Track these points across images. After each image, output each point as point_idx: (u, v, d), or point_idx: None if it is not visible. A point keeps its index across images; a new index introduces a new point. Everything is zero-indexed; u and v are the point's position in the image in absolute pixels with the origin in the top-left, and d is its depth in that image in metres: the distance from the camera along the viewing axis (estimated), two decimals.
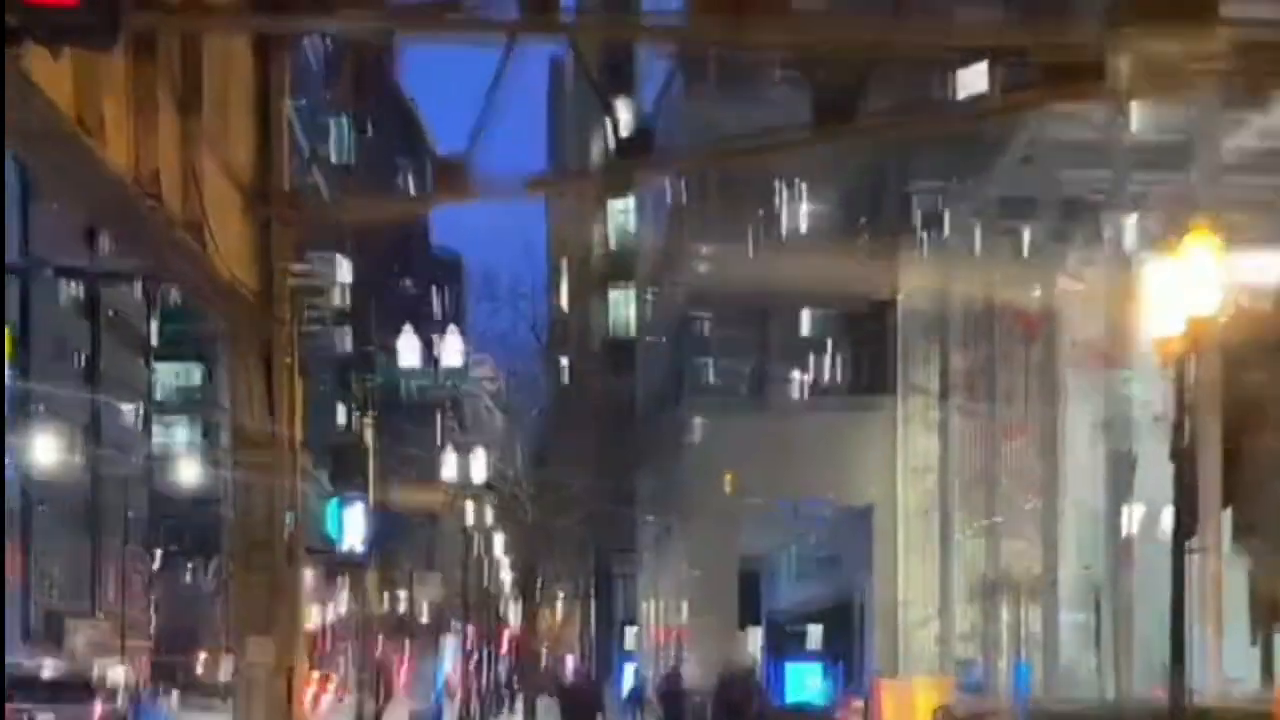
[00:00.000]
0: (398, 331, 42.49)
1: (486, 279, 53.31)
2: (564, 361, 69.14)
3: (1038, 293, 37.70)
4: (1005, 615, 40.81)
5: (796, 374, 56.85)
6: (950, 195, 46.81)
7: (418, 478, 49.82)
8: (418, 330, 42.82)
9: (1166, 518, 29.47)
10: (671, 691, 45.87)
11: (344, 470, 55.12)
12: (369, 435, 39.24)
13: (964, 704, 33.83)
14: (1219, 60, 13.79)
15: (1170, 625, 16.35)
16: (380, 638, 46.33)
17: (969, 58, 14.16)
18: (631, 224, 79.39)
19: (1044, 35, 13.22)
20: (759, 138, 14.74)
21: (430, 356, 40.05)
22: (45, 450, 60.08)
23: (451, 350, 40.29)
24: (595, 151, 68.51)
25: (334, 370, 72.80)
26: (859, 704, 41.38)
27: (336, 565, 50.93)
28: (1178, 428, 22.25)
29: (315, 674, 67.58)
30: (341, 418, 74.18)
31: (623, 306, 79.63)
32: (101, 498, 69.89)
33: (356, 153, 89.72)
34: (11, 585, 54.46)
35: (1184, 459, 20.82)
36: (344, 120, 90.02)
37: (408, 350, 40.31)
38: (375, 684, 40.32)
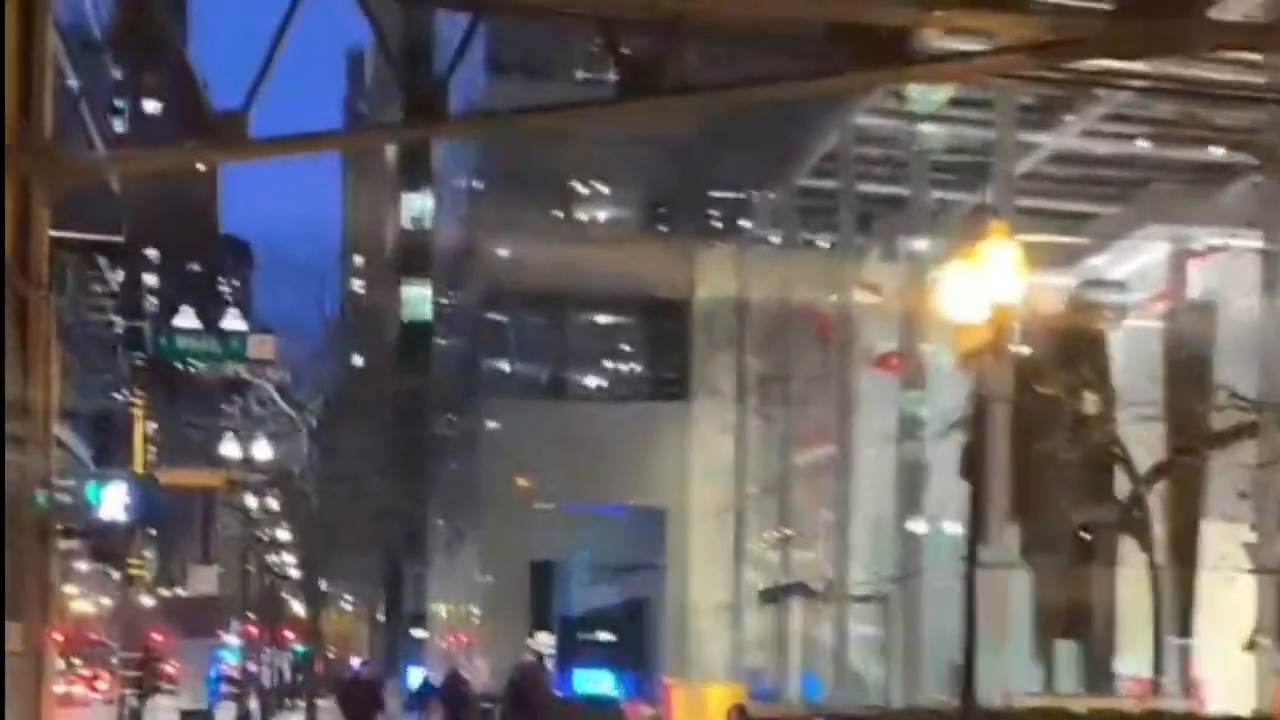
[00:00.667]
0: (176, 308, 41.06)
1: (276, 263, 52.17)
2: (355, 352, 67.88)
3: (834, 299, 37.59)
4: (796, 623, 40.65)
5: (593, 375, 56.37)
6: (749, 200, 46.71)
7: (193, 460, 48.40)
8: (200, 309, 41.41)
9: (956, 529, 29.48)
10: (455, 693, 44.92)
11: (110, 448, 53.23)
12: (139, 413, 37.82)
13: (757, 708, 33.55)
14: (1028, 50, 13.39)
15: (963, 633, 16.01)
16: (149, 628, 44.77)
17: (776, 38, 13.59)
18: (429, 216, 78.26)
19: (852, 12, 12.72)
20: (558, 107, 14.03)
21: (211, 335, 38.66)
22: None
23: (233, 329, 38.98)
24: (389, 118, 67.21)
25: (106, 345, 70.63)
26: (649, 709, 40.88)
27: (99, 548, 49.14)
28: (969, 442, 22.03)
29: (78, 665, 65.54)
30: (112, 394, 72.07)
31: (418, 299, 78.38)
32: None
33: (131, 107, 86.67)
34: None
35: (975, 471, 20.64)
36: (118, 72, 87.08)
37: (186, 327, 38.88)
38: (143, 677, 38.84)
